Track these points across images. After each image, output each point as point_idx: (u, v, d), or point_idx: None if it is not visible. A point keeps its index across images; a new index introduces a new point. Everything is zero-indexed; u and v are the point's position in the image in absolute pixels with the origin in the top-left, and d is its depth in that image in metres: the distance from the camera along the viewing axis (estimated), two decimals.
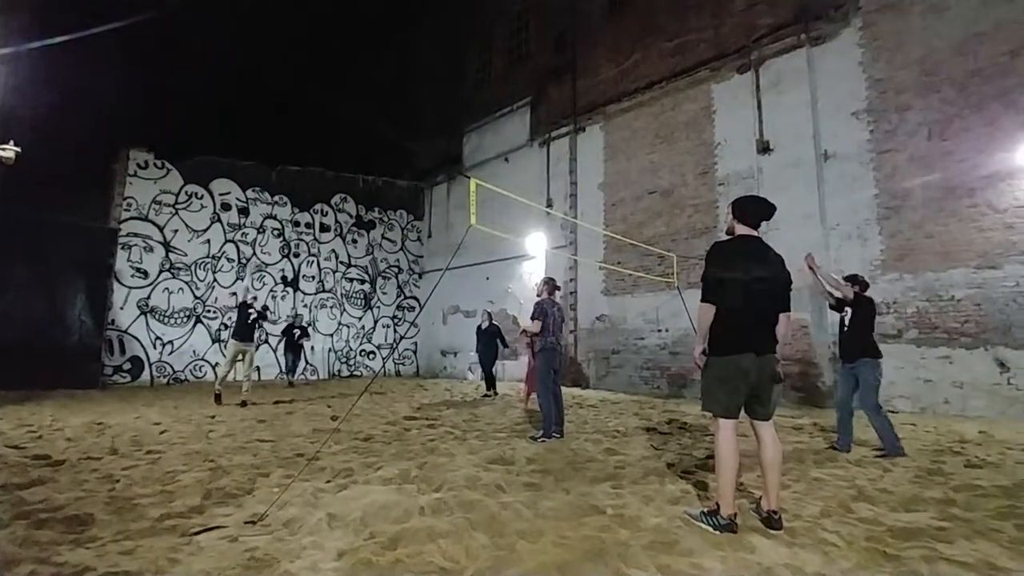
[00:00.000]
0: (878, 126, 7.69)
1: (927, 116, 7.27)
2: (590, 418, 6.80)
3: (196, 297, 13.02)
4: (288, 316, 13.30)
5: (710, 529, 2.62)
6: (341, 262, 15.55)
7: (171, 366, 12.46)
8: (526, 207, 9.81)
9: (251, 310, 8.01)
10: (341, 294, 15.44)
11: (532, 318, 5.36)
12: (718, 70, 9.77)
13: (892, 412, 6.94)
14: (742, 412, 2.79)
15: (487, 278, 14.29)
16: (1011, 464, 4.22)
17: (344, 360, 15.20)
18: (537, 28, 14.09)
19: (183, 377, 12.56)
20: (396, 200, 16.92)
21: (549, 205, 12.39)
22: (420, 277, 16.96)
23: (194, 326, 12.88)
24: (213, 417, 6.64)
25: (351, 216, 15.89)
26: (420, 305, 16.41)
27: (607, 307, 11.13)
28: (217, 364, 12.91)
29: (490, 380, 9.61)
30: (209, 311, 13.12)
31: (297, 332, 11.80)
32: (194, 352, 12.80)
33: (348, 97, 16.53)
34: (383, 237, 16.47)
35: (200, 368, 12.84)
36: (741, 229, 2.93)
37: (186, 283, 12.94)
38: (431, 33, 17.59)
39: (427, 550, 2.32)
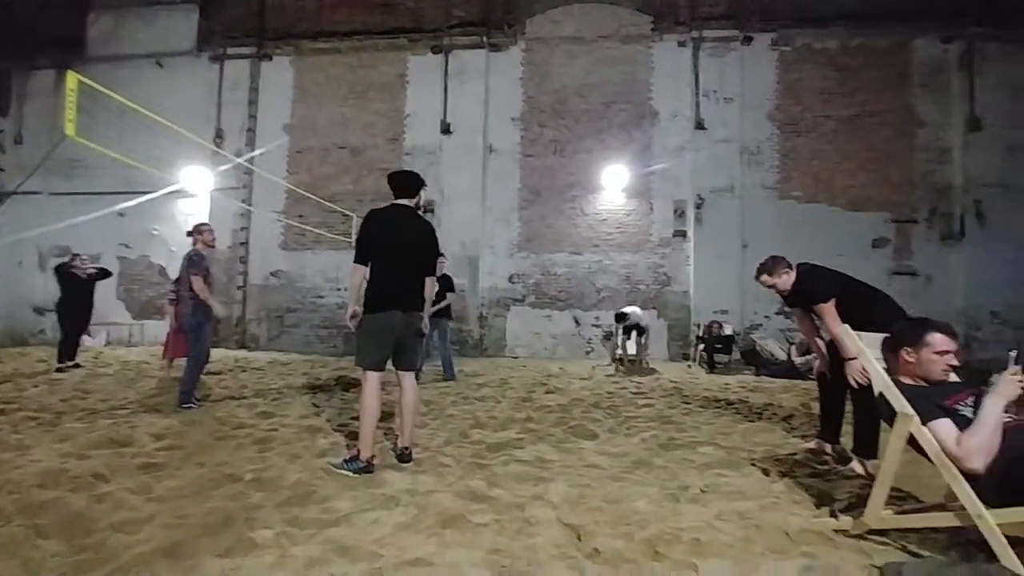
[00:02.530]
0: (526, 134, 9.68)
1: (556, 135, 9.60)
2: (252, 382, 6.26)
3: None
4: None
5: (350, 473, 2.84)
6: None
7: None
8: (185, 131, 7.91)
9: None
10: None
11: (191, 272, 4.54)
12: (416, 43, 10.17)
13: (514, 357, 9.06)
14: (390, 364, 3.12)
15: (121, 214, 10.98)
16: (573, 389, 6.16)
17: None
18: None
19: None
20: None
21: (219, 137, 10.42)
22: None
23: None
24: None
25: None
26: None
27: (284, 262, 10.32)
28: None
29: (71, 347, 7.03)
30: None
31: None
32: None
33: None
34: None
35: None
36: (397, 199, 3.19)
37: None
38: None
39: None
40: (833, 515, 2.34)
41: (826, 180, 9.26)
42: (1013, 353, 1.98)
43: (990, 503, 1.74)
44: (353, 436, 3.72)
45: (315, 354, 9.63)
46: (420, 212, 3.39)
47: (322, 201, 9.09)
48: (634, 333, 7.89)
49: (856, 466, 3.02)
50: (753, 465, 3.15)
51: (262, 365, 7.84)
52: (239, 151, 10.14)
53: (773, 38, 9.48)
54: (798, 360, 7.41)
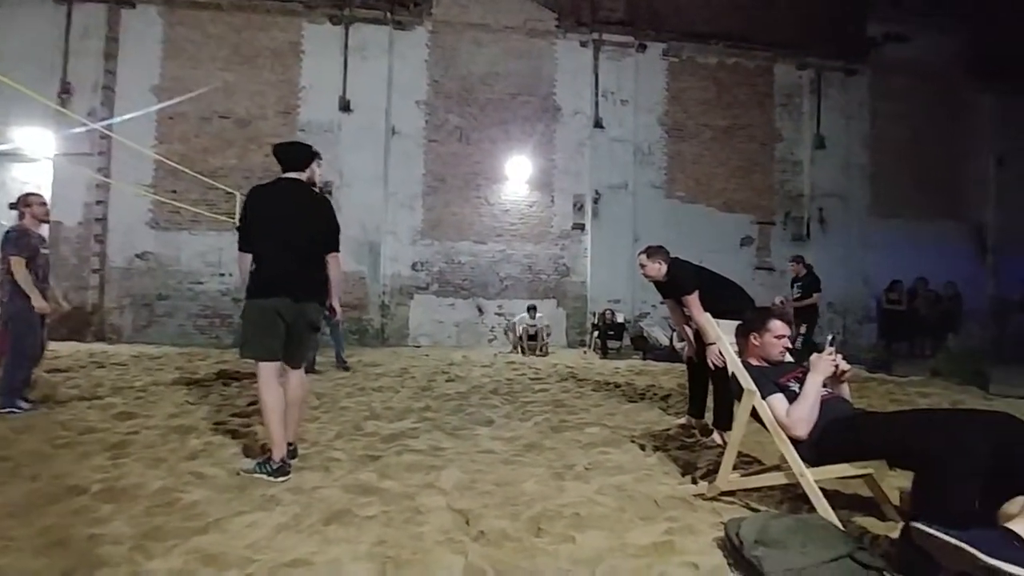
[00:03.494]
0: (431, 119, 9.48)
1: (461, 122, 9.52)
2: (110, 379, 5.47)
3: None
4: None
5: (265, 477, 2.57)
6: None
7: None
8: (17, 83, 6.56)
9: None
10: None
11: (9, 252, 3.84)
12: (313, 9, 9.43)
13: (417, 347, 8.92)
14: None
15: None
16: (473, 376, 6.22)
17: None
18: None
19: None
20: None
21: (65, 92, 8.86)
22: None
23: None
24: None
25: None
26: None
27: (154, 243, 9.11)
28: None
29: None
30: None
31: None
32: None
33: None
34: None
35: None
36: (285, 172, 2.81)
37: None
38: None
39: None
40: (694, 482, 2.64)
41: (705, 183, 10.27)
42: (830, 337, 2.38)
43: (810, 463, 2.07)
44: (234, 434, 3.44)
45: (194, 346, 8.66)
46: (315, 188, 2.97)
47: (200, 176, 8.13)
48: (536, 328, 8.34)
49: (716, 437, 3.43)
50: (632, 442, 3.44)
51: (125, 360, 6.88)
52: (92, 111, 8.70)
53: (664, 48, 10.23)
54: (678, 345, 8.18)
